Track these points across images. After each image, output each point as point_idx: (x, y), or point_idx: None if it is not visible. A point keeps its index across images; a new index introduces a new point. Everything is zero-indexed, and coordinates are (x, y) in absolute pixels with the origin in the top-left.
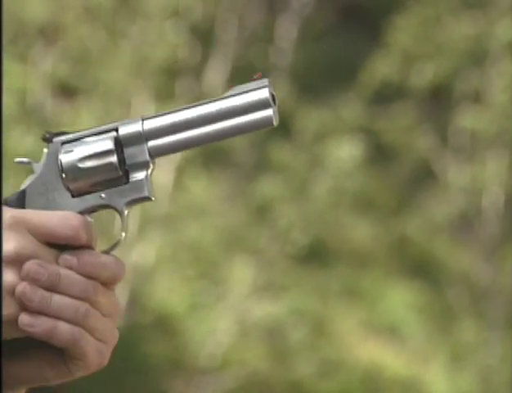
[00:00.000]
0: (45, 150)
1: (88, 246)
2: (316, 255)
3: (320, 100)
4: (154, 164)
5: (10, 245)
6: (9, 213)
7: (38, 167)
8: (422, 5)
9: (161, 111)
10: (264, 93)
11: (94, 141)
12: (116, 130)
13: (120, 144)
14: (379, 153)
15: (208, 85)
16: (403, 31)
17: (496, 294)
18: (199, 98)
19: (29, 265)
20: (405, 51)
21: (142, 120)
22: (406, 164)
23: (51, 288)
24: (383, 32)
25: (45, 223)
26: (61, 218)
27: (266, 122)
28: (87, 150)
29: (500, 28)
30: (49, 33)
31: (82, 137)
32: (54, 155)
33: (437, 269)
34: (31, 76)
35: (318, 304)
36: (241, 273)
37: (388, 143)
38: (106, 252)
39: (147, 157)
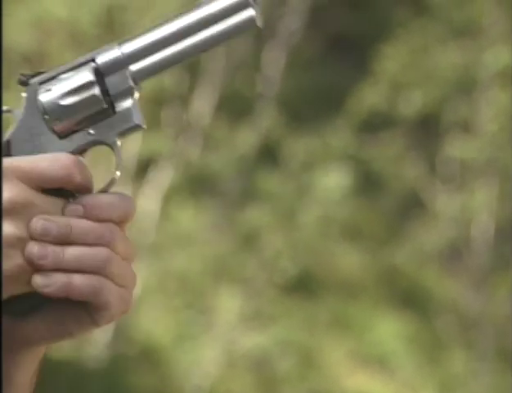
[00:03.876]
0: (23, 94)
1: (85, 188)
2: (304, 285)
3: (308, 128)
4: (139, 89)
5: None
6: None
7: (19, 114)
8: (410, 33)
9: (136, 34)
10: None
11: (72, 75)
12: (93, 60)
13: (101, 74)
14: (368, 182)
15: (196, 114)
16: (391, 59)
17: (486, 324)
18: (187, 129)
19: (35, 221)
20: (393, 80)
21: (119, 45)
22: (394, 193)
23: (64, 241)
24: (371, 60)
25: (34, 168)
26: (51, 159)
27: (249, 24)
28: (66, 85)
29: (489, 56)
30: (34, 61)
31: (59, 74)
32: (33, 98)
33: (426, 299)
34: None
35: (306, 335)
36: (228, 303)
37: (376, 172)
38: (103, 191)
39: (131, 83)
